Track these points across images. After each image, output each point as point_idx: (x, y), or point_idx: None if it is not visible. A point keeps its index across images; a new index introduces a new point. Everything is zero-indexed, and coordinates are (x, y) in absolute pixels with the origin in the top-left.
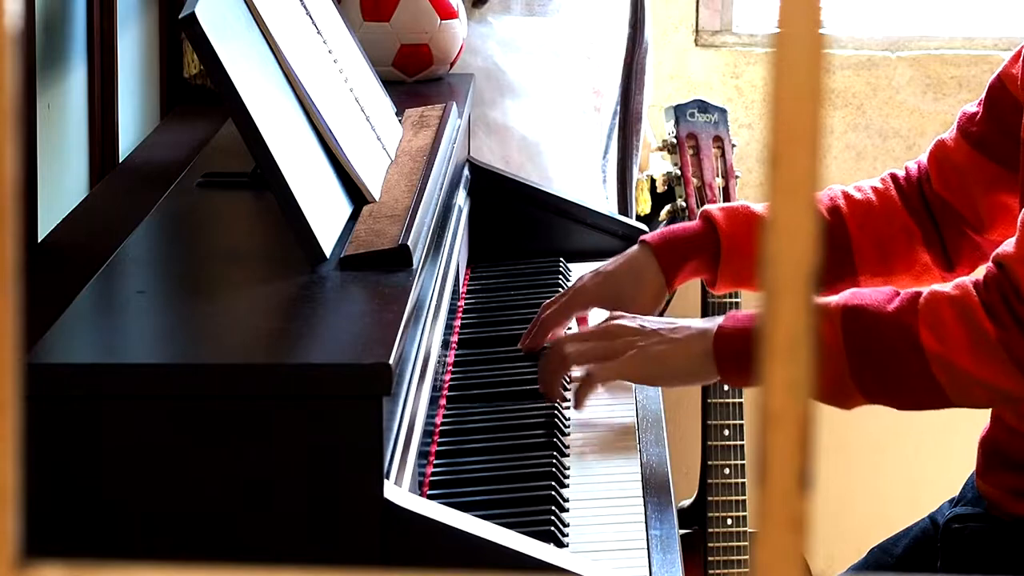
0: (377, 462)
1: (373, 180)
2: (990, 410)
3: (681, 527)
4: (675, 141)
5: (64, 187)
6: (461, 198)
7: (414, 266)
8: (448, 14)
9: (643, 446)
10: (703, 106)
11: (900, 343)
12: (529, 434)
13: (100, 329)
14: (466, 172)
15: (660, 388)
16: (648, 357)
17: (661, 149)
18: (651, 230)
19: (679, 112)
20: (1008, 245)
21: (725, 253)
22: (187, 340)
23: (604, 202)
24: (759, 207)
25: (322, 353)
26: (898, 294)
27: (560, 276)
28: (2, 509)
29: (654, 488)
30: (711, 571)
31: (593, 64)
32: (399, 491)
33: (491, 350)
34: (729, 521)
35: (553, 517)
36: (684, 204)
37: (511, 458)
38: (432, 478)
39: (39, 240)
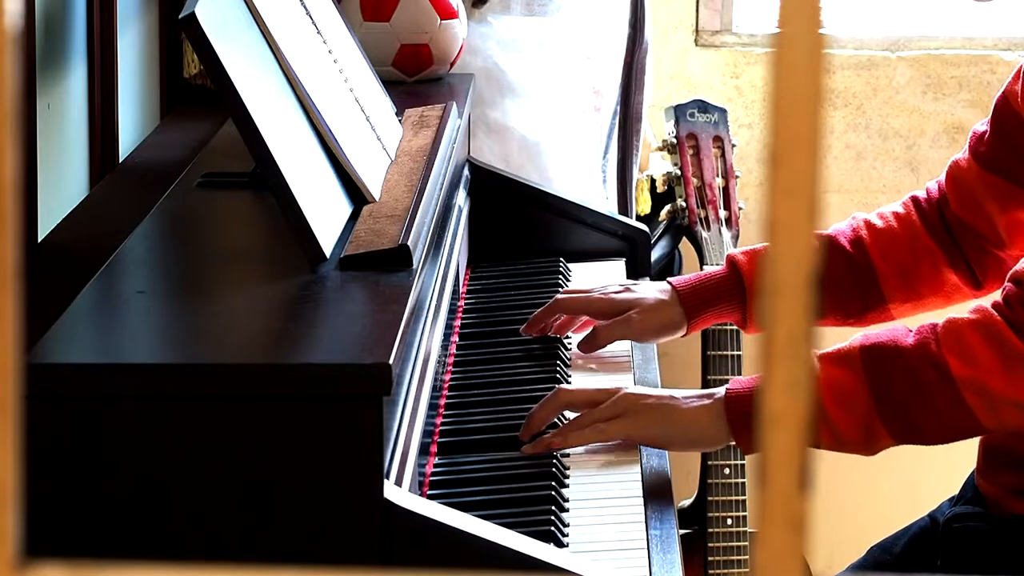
0: (377, 462)
1: (373, 180)
2: None
3: (681, 527)
4: (675, 141)
5: (64, 187)
6: (461, 198)
7: (414, 266)
8: (448, 14)
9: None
10: (703, 106)
11: (927, 374)
12: None
13: (100, 329)
14: (466, 172)
15: (660, 384)
16: (660, 417)
17: (661, 149)
18: (651, 230)
19: (679, 112)
20: (1023, 263)
21: (751, 295)
22: (187, 340)
23: (604, 202)
24: None
25: (322, 353)
26: (910, 329)
27: (560, 276)
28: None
29: (654, 488)
30: (711, 571)
31: (593, 64)
32: (399, 491)
33: (491, 350)
34: (729, 521)
35: (553, 517)
36: (684, 204)
37: (511, 458)
38: (432, 478)
39: (39, 240)
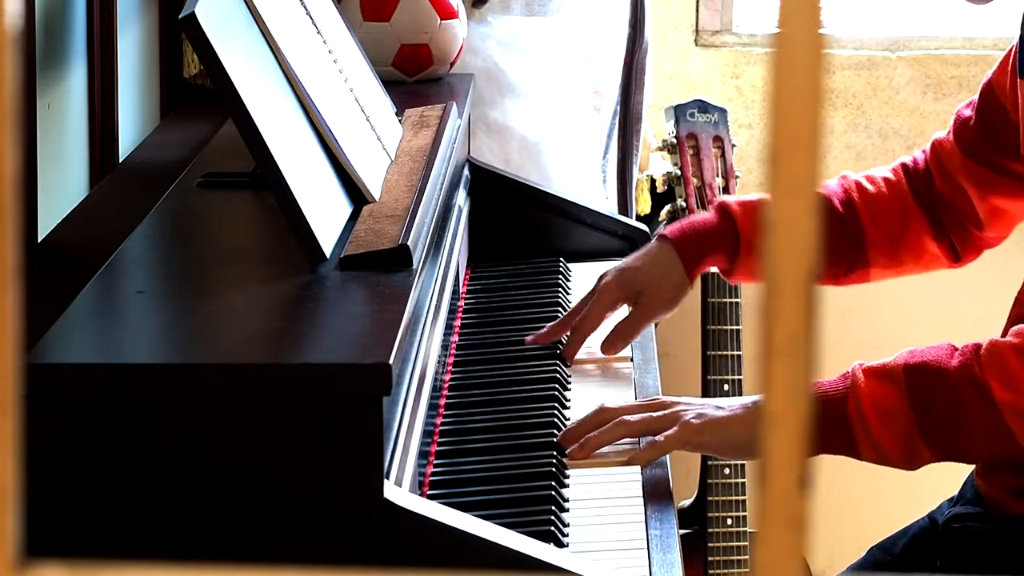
0: (377, 462)
1: (373, 180)
2: None
3: (681, 527)
4: (675, 141)
5: (64, 187)
6: (461, 198)
7: (414, 266)
8: (448, 14)
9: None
10: (703, 106)
11: (969, 396)
12: (529, 434)
13: (100, 329)
14: (466, 172)
15: (660, 384)
16: (709, 423)
17: (661, 149)
18: (651, 230)
19: (679, 112)
20: None
21: (744, 249)
22: (187, 340)
23: (604, 202)
24: None
25: (322, 353)
26: (955, 348)
27: (560, 276)
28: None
29: (654, 488)
30: (711, 571)
31: (593, 64)
32: (399, 491)
33: (491, 350)
34: (729, 521)
35: (553, 517)
36: (684, 204)
37: (511, 458)
38: (432, 478)
39: (39, 240)
